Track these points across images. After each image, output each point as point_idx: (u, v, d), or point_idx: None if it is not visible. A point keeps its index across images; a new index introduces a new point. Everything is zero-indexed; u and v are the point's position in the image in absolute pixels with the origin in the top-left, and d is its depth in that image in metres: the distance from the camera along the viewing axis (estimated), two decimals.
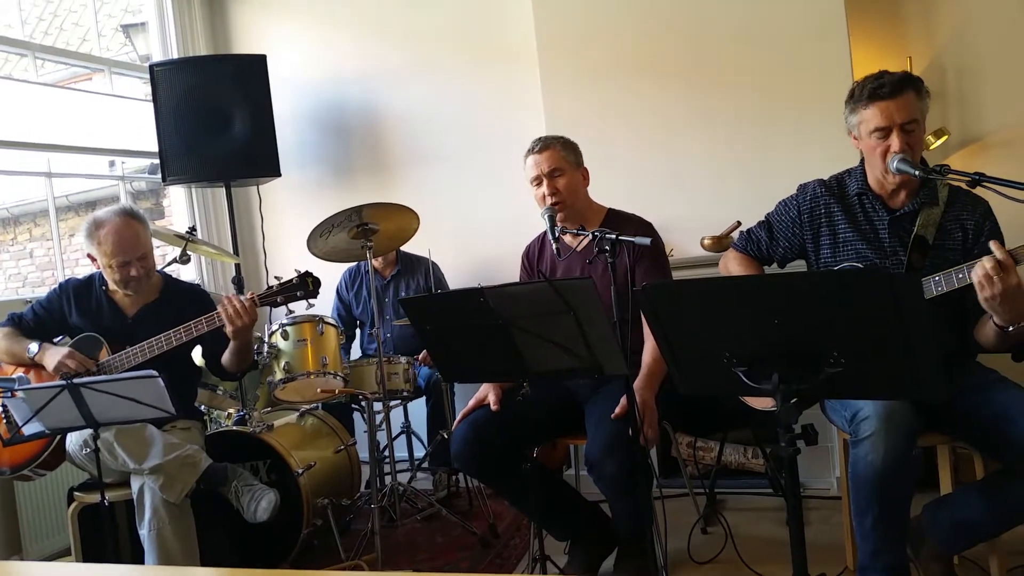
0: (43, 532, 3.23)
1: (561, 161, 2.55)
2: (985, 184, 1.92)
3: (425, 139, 4.30)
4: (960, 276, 1.94)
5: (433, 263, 3.70)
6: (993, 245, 1.84)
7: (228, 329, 2.61)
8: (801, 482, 3.15)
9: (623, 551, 2.47)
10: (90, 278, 2.85)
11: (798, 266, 2.46)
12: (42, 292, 2.93)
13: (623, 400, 2.19)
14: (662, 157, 3.66)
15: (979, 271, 1.84)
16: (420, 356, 3.54)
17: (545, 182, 2.52)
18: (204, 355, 2.89)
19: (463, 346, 2.09)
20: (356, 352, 4.06)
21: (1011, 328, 1.90)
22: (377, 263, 3.81)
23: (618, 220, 2.61)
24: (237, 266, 4.08)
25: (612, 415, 2.25)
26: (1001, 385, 2.04)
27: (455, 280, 3.99)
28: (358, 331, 4.06)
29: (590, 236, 2.20)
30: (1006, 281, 1.81)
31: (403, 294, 3.85)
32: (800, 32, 3.39)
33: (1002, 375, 2.10)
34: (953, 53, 3.46)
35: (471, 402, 2.52)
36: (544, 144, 2.56)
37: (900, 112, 2.06)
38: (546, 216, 2.40)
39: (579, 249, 2.58)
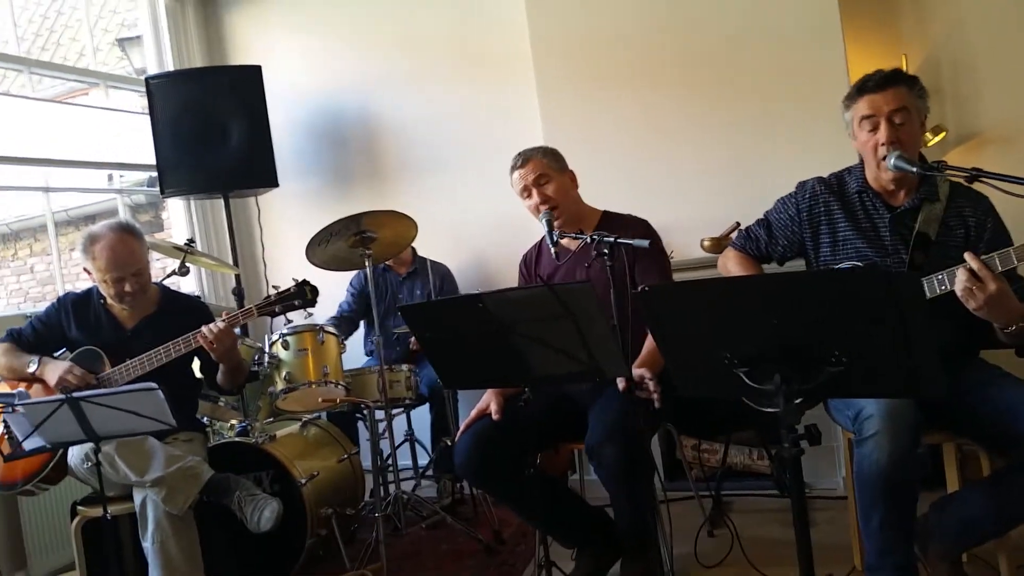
0: (47, 547, 3.22)
1: (544, 168, 2.58)
2: (983, 179, 1.91)
3: (422, 147, 4.29)
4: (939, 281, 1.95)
5: (446, 268, 3.69)
6: (967, 256, 1.85)
7: (212, 355, 2.63)
8: (807, 482, 3.14)
9: (628, 553, 2.46)
10: (88, 292, 2.84)
11: (797, 264, 2.45)
12: (43, 307, 2.93)
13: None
14: (660, 160, 3.66)
15: (958, 286, 1.85)
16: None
17: (534, 191, 2.56)
18: (202, 370, 2.89)
19: (463, 353, 2.08)
20: (353, 350, 4.00)
21: (1010, 329, 1.90)
22: (392, 260, 3.84)
23: (614, 221, 2.62)
24: (237, 277, 4.08)
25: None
26: (1004, 381, 2.03)
27: None
28: (362, 326, 4.05)
29: (588, 239, 2.20)
30: (985, 290, 1.81)
31: (417, 293, 3.89)
32: (795, 33, 3.39)
33: (1005, 371, 2.09)
34: (948, 50, 3.46)
35: (473, 413, 2.51)
36: (525, 158, 2.59)
37: (888, 102, 2.07)
38: (544, 221, 2.44)
39: (577, 252, 2.58)
